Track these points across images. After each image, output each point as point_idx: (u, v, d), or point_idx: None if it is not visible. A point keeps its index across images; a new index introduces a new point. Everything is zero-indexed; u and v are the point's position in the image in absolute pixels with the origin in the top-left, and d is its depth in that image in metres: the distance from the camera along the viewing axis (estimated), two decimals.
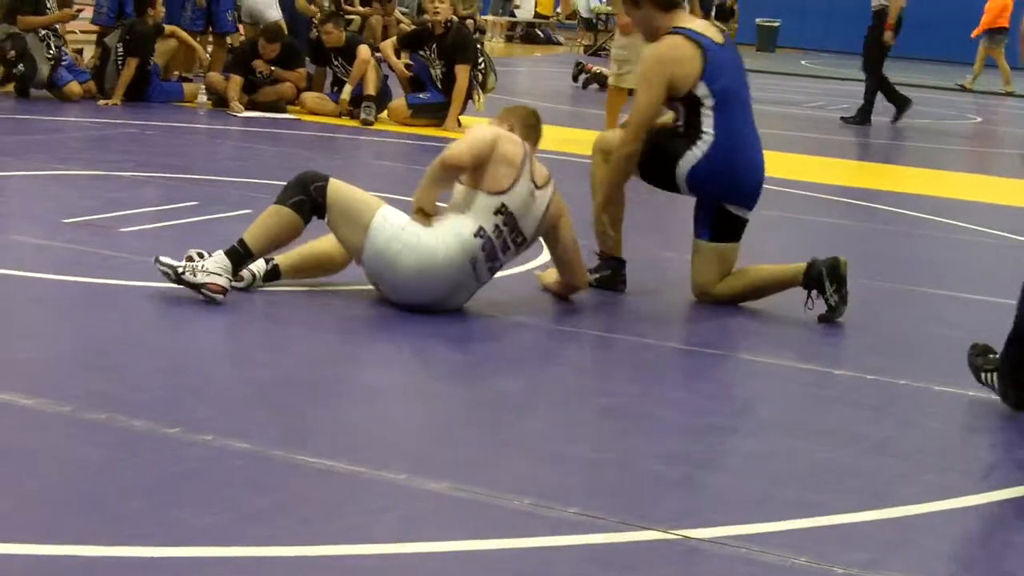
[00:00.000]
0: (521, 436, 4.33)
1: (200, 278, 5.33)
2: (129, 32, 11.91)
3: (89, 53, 13.11)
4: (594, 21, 28.24)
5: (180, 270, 5.34)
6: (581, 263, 6.00)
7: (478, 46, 12.48)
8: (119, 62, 11.84)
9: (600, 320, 5.96)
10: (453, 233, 5.48)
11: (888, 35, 15.43)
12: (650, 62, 6.06)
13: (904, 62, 20.18)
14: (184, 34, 12.63)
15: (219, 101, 12.06)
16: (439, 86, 12.04)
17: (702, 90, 5.99)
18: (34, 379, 4.39)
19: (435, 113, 12.05)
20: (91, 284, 5.64)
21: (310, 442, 3.98)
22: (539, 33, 29.48)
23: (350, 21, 16.66)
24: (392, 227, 5.45)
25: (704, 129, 6.01)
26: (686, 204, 6.39)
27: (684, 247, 6.42)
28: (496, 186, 5.53)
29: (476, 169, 5.52)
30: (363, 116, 11.90)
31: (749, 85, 6.29)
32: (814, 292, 6.01)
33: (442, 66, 11.87)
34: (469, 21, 20.72)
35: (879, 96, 15.66)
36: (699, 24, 6.22)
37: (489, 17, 27.25)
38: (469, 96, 12.06)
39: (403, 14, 19.99)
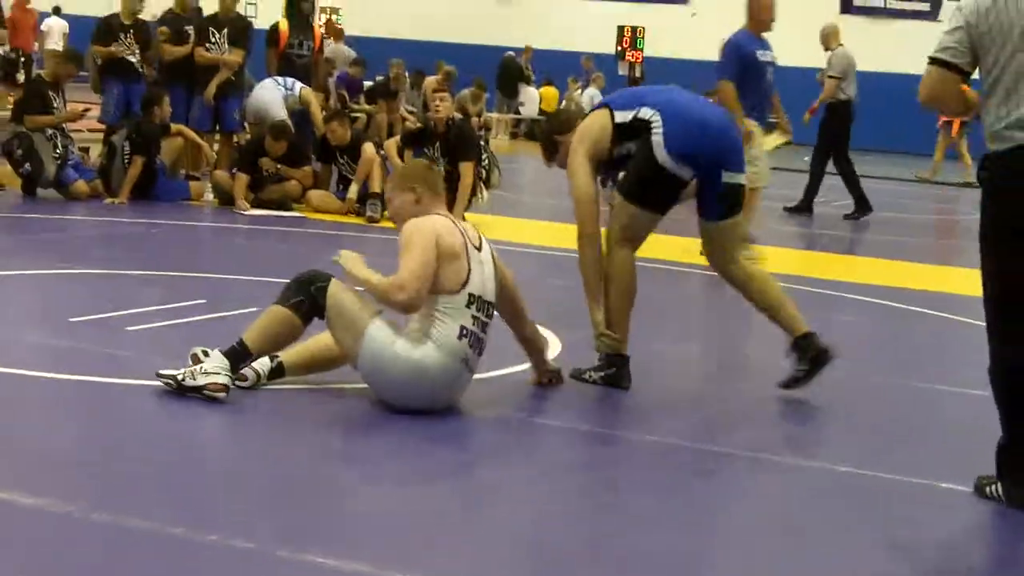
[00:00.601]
0: (515, 530, 4.31)
1: (200, 380, 5.37)
2: (135, 131, 12.02)
3: (96, 152, 13.21)
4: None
5: (180, 378, 5.40)
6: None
7: (481, 143, 12.57)
8: (125, 160, 11.93)
9: (598, 416, 5.95)
10: (439, 344, 5.48)
11: (805, 116, 15.93)
12: (574, 143, 6.35)
13: (862, 153, 20.19)
14: (190, 132, 12.74)
15: (225, 199, 12.14)
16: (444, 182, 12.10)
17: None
18: (38, 478, 4.38)
19: None
20: (97, 383, 5.64)
21: (314, 540, 3.96)
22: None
23: (356, 119, 16.79)
24: (384, 339, 5.47)
25: (650, 119, 6.21)
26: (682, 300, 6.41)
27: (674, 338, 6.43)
28: (455, 284, 5.53)
29: None
30: (368, 213, 11.97)
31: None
32: (793, 355, 6.28)
33: (446, 164, 11.95)
34: (475, 119, 20.91)
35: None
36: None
37: (494, 114, 27.45)
38: (474, 192, 12.13)
39: (409, 112, 20.15)
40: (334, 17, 31.48)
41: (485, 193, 12.31)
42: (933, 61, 4.88)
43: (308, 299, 5.53)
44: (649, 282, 6.50)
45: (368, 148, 12.35)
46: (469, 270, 5.56)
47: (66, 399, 5.51)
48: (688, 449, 5.45)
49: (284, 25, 13.49)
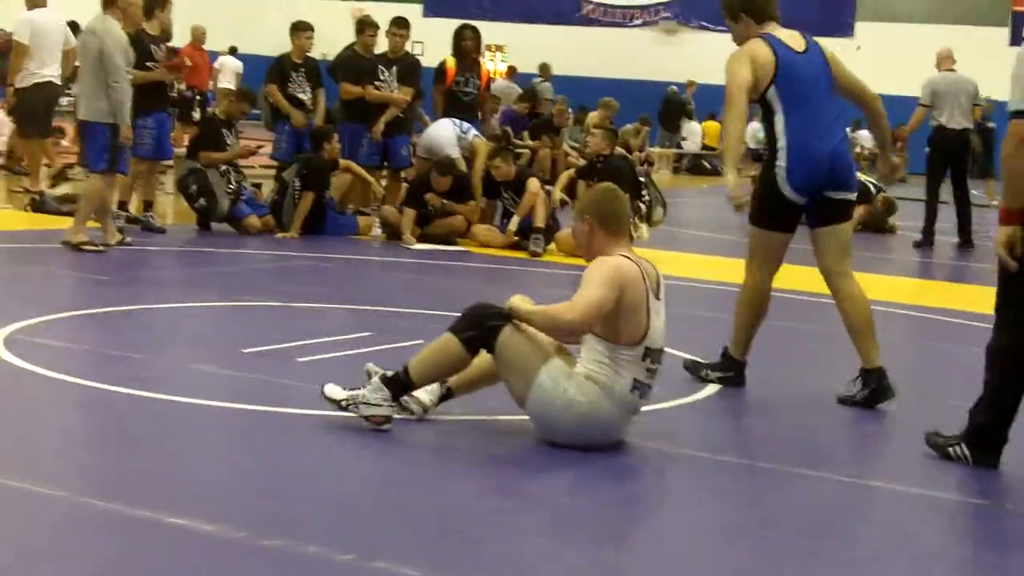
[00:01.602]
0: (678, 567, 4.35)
1: (363, 411, 5.54)
2: (306, 167, 12.33)
3: (268, 187, 13.56)
4: (761, 152, 28.28)
5: (344, 404, 5.58)
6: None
7: (641, 178, 12.60)
8: (296, 196, 12.24)
9: (771, 450, 5.96)
10: (610, 395, 5.51)
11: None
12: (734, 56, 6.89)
13: None
14: (359, 168, 13.00)
15: (392, 233, 12.35)
16: None
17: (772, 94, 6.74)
18: (212, 505, 4.55)
19: None
20: (268, 412, 5.83)
21: (477, 573, 4.05)
22: (706, 164, 29.62)
23: (520, 155, 16.97)
24: (554, 388, 5.49)
25: (778, 139, 6.74)
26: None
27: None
28: (634, 338, 5.52)
29: (607, 321, 5.49)
30: (532, 247, 12.09)
31: (828, 88, 6.88)
32: (858, 381, 6.70)
33: None
34: (638, 153, 20.93)
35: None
36: (783, 33, 6.93)
37: (656, 149, 27.47)
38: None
39: (572, 147, 20.28)
40: (499, 55, 31.80)
41: (644, 228, 12.34)
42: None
43: (481, 335, 5.57)
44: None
45: (533, 183, 12.48)
46: (648, 325, 5.54)
47: (238, 428, 5.69)
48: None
49: (451, 63, 13.71)
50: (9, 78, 13.81)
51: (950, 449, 5.67)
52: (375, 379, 5.61)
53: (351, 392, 5.59)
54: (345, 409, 5.57)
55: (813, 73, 6.80)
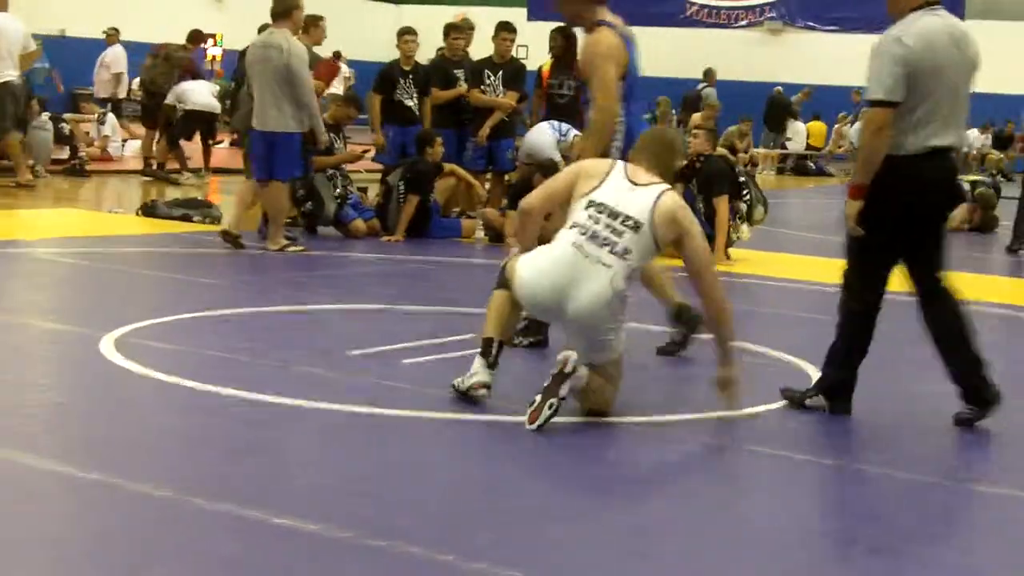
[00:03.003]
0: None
1: (466, 383, 6.02)
2: (410, 170, 12.45)
3: (373, 191, 13.71)
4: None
5: (456, 385, 6.08)
6: (711, 286, 6.19)
7: (742, 178, 12.55)
8: (401, 199, 12.37)
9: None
10: (558, 238, 6.11)
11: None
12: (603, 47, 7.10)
13: None
14: (463, 172, 13.11)
15: (496, 236, 12.43)
16: (703, 219, 12.17)
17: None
18: (318, 506, 4.64)
19: None
20: (373, 414, 5.91)
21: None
22: (810, 165, 29.41)
23: None
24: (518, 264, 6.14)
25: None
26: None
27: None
28: (581, 192, 6.11)
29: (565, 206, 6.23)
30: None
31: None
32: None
33: (702, 199, 12.04)
34: (743, 155, 20.83)
35: None
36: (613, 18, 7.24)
37: (760, 150, 27.30)
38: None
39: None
40: None
41: (744, 228, 12.29)
42: None
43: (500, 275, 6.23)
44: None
45: None
46: (600, 184, 6.14)
47: (344, 428, 5.78)
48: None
49: (547, 66, 13.77)
50: None
51: (807, 400, 6.36)
52: (477, 358, 6.11)
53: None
54: (456, 389, 6.07)
55: (636, 59, 7.22)
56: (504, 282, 6.17)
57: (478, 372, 6.03)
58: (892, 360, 7.18)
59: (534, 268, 6.06)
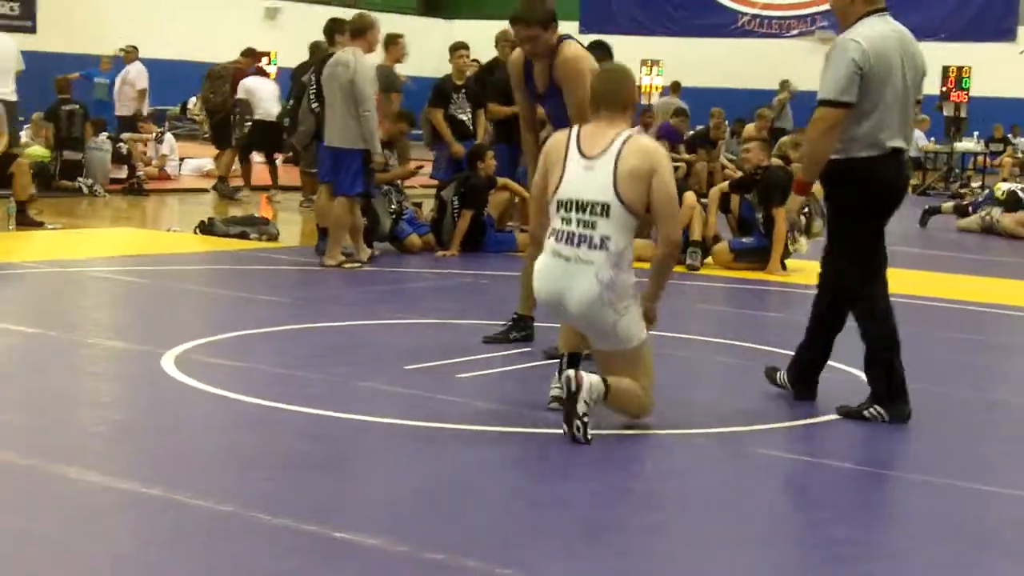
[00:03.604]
0: None
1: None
2: (464, 185, 12.52)
3: (428, 206, 13.77)
4: (922, 159, 27.89)
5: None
6: (671, 220, 6.09)
7: None
8: (455, 214, 12.43)
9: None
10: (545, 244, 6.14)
11: None
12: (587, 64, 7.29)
13: None
14: (516, 186, 13.15)
15: None
16: (762, 230, 12.18)
17: None
18: (376, 520, 4.70)
19: (758, 257, 12.15)
20: (430, 428, 5.96)
21: None
22: None
23: (676, 168, 16.97)
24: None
25: None
26: None
27: None
28: (552, 187, 6.07)
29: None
30: (688, 261, 12.10)
31: None
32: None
33: (762, 210, 12.03)
34: (797, 165, 20.72)
35: None
36: None
37: None
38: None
39: (729, 160, 20.21)
40: (655, 69, 31.74)
41: (803, 240, 12.27)
42: None
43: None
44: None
45: (689, 196, 12.49)
46: (561, 178, 6.07)
47: (400, 443, 5.83)
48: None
49: None
50: None
51: (777, 376, 6.82)
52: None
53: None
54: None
55: None
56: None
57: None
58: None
59: (536, 274, 6.13)
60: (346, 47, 11.25)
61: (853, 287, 6.50)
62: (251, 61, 18.90)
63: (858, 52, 6.24)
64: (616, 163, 5.92)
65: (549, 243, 6.04)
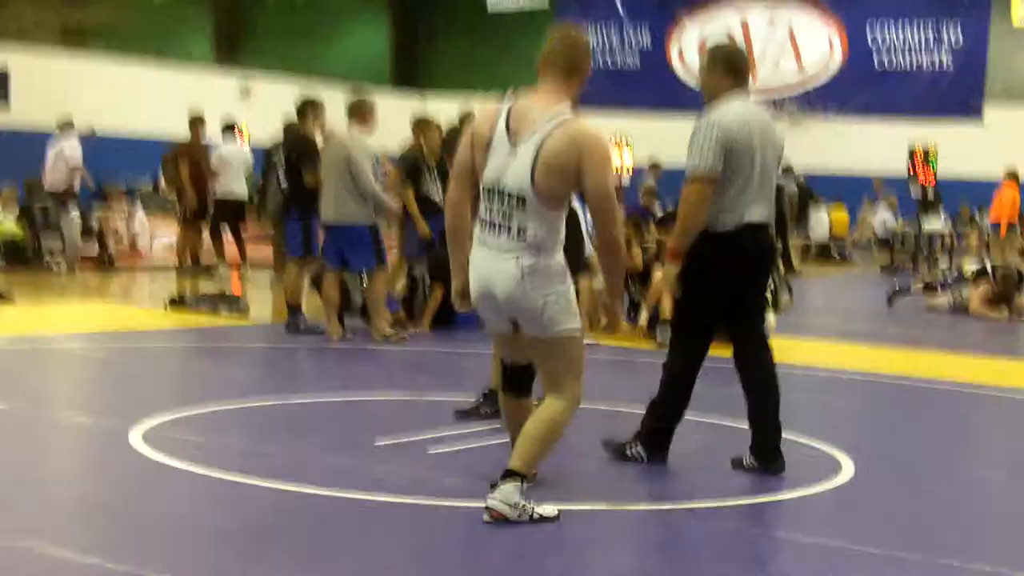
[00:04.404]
0: None
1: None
2: (433, 259, 12.55)
3: (399, 284, 13.78)
4: (890, 240, 28.12)
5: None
6: (604, 215, 5.76)
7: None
8: (427, 292, 12.45)
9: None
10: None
11: None
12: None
13: None
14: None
15: None
16: None
17: None
18: None
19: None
20: (402, 504, 5.93)
21: None
22: (835, 253, 29.44)
23: (646, 249, 17.04)
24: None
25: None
26: None
27: None
28: (480, 167, 5.82)
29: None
30: (659, 339, 12.12)
31: None
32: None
33: None
34: None
35: None
36: None
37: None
38: None
39: None
40: (627, 150, 31.88)
41: (770, 316, 12.30)
42: None
43: None
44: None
45: (659, 274, 12.55)
46: (486, 165, 5.82)
47: (373, 518, 5.79)
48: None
49: None
50: None
51: (627, 450, 6.94)
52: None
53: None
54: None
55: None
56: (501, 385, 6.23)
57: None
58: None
59: (471, 272, 5.91)
60: (350, 127, 11.53)
61: (672, 342, 7.02)
62: (198, 133, 18.49)
63: (722, 129, 6.56)
64: (538, 152, 5.62)
65: (476, 233, 5.89)
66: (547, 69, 5.80)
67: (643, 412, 7.02)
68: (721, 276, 6.74)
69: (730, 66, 6.82)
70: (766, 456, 6.80)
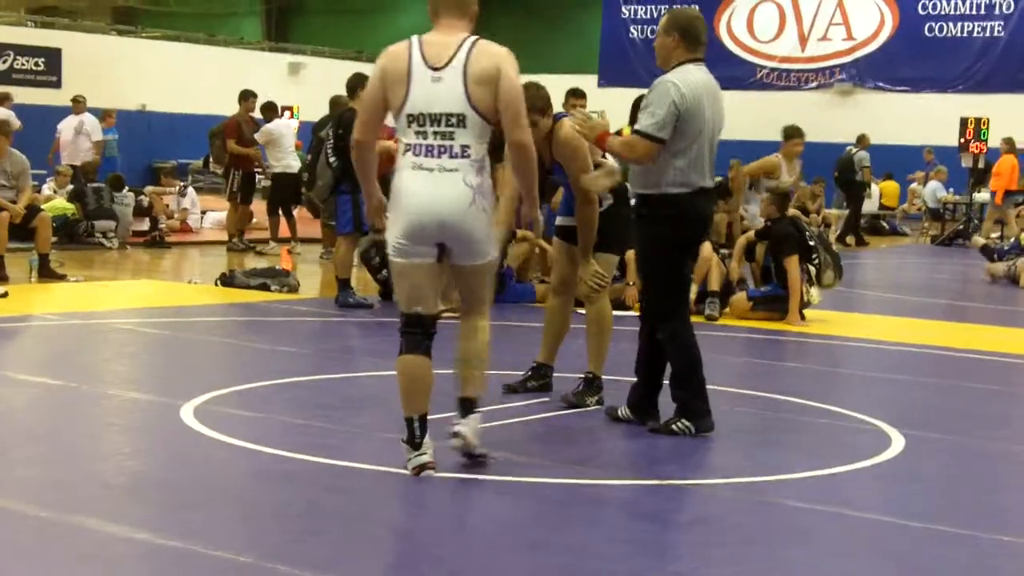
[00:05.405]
0: None
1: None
2: None
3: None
4: (941, 211, 27.88)
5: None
6: (515, 123, 5.97)
7: (811, 241, 12.53)
8: None
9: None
10: (399, 167, 6.01)
11: None
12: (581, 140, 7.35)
13: None
14: (536, 238, 13.18)
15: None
16: (777, 280, 12.20)
17: None
18: (392, 570, 4.74)
19: (775, 306, 12.16)
20: (449, 479, 5.97)
21: None
22: (884, 224, 29.23)
23: None
24: None
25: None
26: None
27: None
28: (396, 105, 5.94)
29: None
30: (707, 312, 12.12)
31: None
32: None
33: (773, 263, 12.09)
34: (815, 216, 20.74)
35: None
36: None
37: (833, 211, 27.18)
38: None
39: (746, 210, 20.19)
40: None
41: (814, 292, 12.28)
42: None
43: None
44: None
45: (706, 247, 12.48)
46: (407, 94, 5.93)
47: (419, 493, 5.83)
48: None
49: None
50: None
51: (619, 411, 7.23)
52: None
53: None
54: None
55: None
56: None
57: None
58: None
59: (404, 194, 5.95)
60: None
61: (664, 313, 7.04)
62: (248, 106, 18.63)
63: (678, 95, 6.73)
64: (465, 71, 5.88)
65: (407, 159, 5.95)
66: (443, 12, 6.04)
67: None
68: (684, 235, 6.96)
69: (687, 32, 6.90)
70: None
